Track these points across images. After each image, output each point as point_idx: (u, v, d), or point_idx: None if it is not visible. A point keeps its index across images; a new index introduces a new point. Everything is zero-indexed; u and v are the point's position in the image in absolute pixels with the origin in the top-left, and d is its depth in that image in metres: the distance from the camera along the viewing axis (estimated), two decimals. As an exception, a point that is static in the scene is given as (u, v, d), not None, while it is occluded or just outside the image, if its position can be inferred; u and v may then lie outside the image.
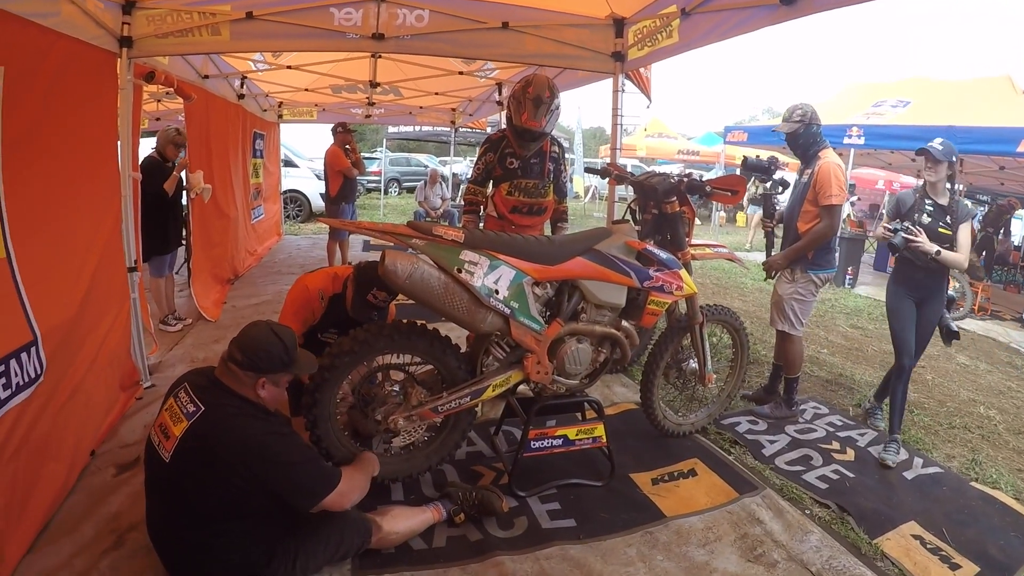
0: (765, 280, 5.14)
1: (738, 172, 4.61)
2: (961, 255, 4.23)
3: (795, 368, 4.97)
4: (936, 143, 4.22)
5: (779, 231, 5.07)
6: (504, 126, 4.48)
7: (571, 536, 3.29)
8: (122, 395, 4.34)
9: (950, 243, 4.26)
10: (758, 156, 4.30)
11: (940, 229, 4.28)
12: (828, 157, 4.58)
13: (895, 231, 4.20)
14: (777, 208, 5.14)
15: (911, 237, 4.16)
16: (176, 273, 7.84)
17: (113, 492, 3.37)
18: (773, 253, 4.99)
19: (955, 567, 3.35)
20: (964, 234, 4.23)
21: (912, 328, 4.52)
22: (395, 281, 2.96)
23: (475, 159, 4.74)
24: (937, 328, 4.64)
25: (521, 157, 4.42)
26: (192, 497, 2.48)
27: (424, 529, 3.16)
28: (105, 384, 4.03)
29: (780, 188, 4.88)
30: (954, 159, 4.23)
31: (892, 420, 4.56)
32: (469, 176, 4.71)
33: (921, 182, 4.44)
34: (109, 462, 3.67)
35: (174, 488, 2.51)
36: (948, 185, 4.34)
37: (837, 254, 5.00)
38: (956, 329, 4.66)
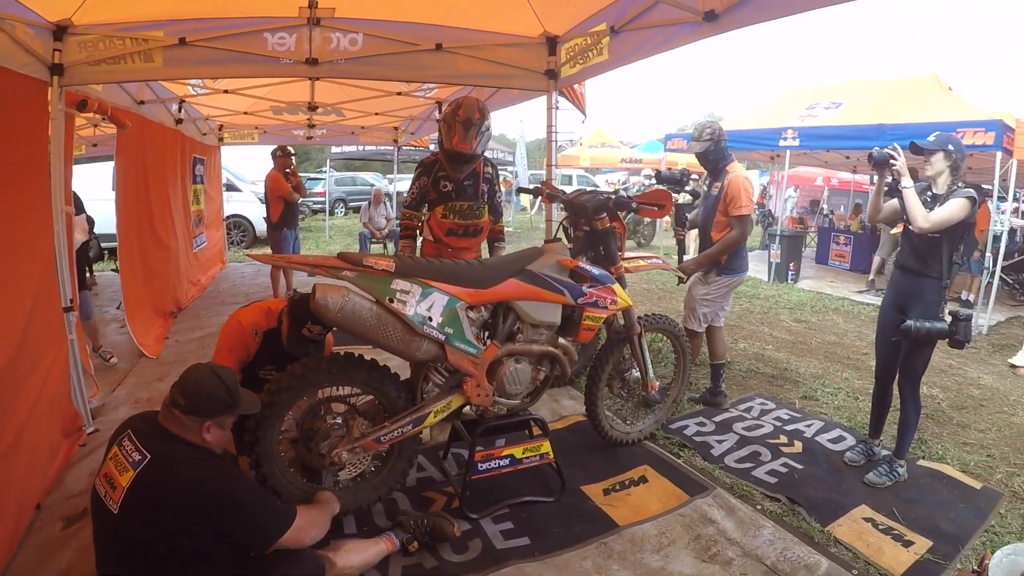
0: (678, 284, 5.44)
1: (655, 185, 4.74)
2: (931, 214, 3.74)
3: (718, 355, 5.31)
4: (931, 137, 3.99)
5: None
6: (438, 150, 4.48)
7: (526, 554, 3.30)
8: (65, 442, 4.19)
9: (938, 232, 3.83)
10: (669, 168, 4.42)
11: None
12: (736, 171, 4.94)
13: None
14: (688, 216, 5.36)
15: (892, 153, 3.82)
16: (118, 308, 7.72)
17: (62, 546, 3.27)
18: (685, 259, 5.27)
19: (908, 544, 3.46)
20: (950, 203, 3.75)
21: (887, 337, 4.16)
22: (326, 315, 2.95)
23: (409, 184, 4.70)
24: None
25: (455, 180, 4.42)
26: (144, 547, 2.42)
27: (379, 561, 3.14)
28: (47, 431, 3.90)
29: (693, 200, 5.03)
30: (950, 148, 3.87)
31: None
32: (404, 201, 4.68)
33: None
34: (56, 515, 3.56)
35: (125, 540, 2.45)
36: (950, 178, 3.90)
37: (747, 258, 5.25)
38: (909, 324, 3.85)
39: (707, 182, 5.16)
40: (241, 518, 2.50)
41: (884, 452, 4.43)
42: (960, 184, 3.85)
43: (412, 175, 4.67)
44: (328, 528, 2.97)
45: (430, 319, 3.15)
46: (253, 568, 2.71)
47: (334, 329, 3.30)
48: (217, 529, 2.46)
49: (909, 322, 3.81)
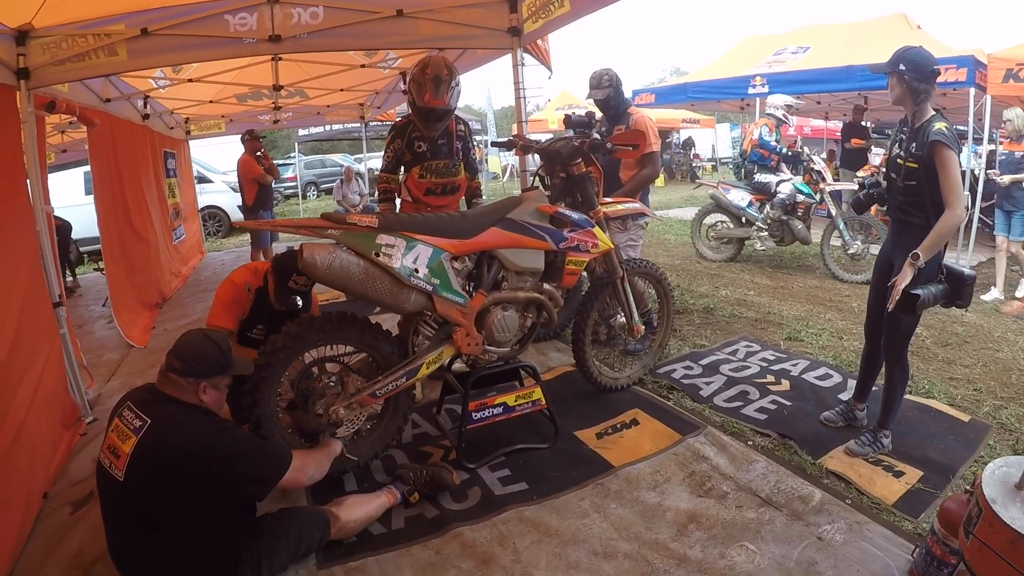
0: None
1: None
2: (948, 196, 3.23)
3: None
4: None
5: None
6: (409, 112, 4.48)
7: (525, 499, 3.37)
8: (66, 433, 4.24)
9: (915, 177, 3.39)
10: (575, 113, 4.46)
11: (899, 160, 3.50)
12: (638, 112, 5.13)
13: (862, 184, 3.80)
14: None
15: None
16: (104, 306, 7.73)
17: (71, 530, 3.31)
18: None
19: (899, 474, 3.52)
20: (946, 169, 3.23)
21: (879, 290, 3.71)
22: (315, 272, 3.00)
23: (384, 148, 4.70)
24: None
25: (429, 139, 4.43)
26: (152, 511, 2.48)
27: (381, 514, 3.19)
28: (47, 424, 3.93)
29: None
30: (901, 68, 3.35)
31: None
32: (380, 166, 4.70)
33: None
34: (63, 502, 3.60)
35: (132, 506, 2.50)
36: (915, 105, 3.42)
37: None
38: (918, 292, 3.23)
39: (606, 127, 5.25)
40: (238, 466, 2.55)
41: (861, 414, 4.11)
42: (932, 112, 3.38)
43: (378, 152, 4.67)
44: (327, 469, 3.06)
45: (416, 271, 3.20)
46: (260, 528, 2.79)
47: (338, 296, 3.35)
48: (220, 483, 2.51)
49: (922, 294, 3.21)
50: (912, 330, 3.71)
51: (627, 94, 5.53)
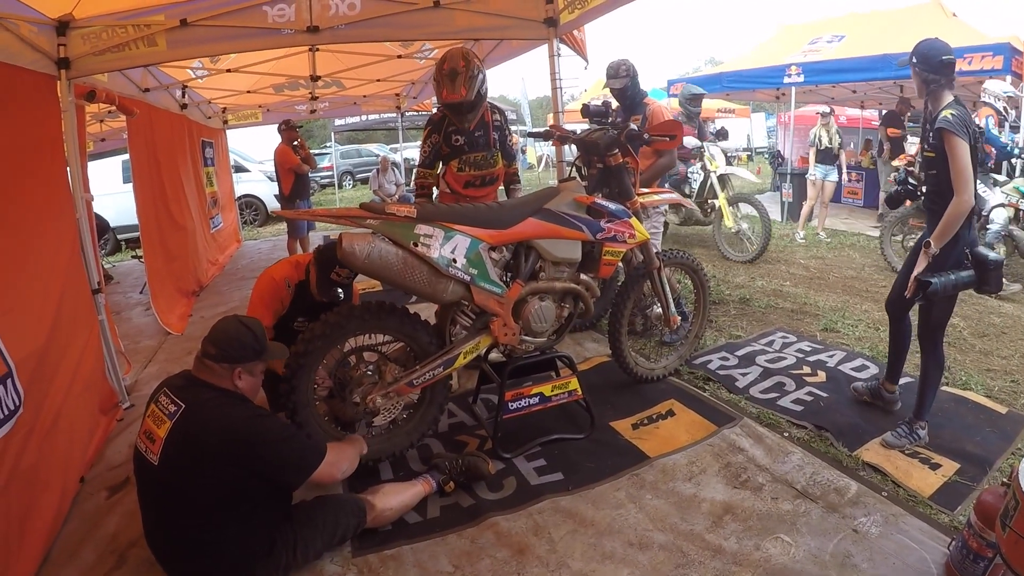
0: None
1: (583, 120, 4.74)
2: (956, 183, 3.21)
3: None
4: None
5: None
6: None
7: (560, 488, 3.37)
8: (103, 419, 4.31)
9: (934, 166, 3.42)
10: (592, 102, 4.44)
11: (926, 153, 3.52)
12: (654, 101, 5.11)
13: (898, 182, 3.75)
14: None
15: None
16: (141, 293, 7.85)
17: (108, 514, 3.37)
18: None
19: (935, 467, 3.47)
20: (954, 157, 3.23)
21: (905, 273, 3.72)
22: (354, 262, 3.02)
23: (421, 142, 4.61)
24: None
25: (465, 132, 4.40)
26: (186, 495, 2.51)
27: (417, 502, 3.20)
28: (85, 409, 4.00)
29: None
30: (913, 60, 3.48)
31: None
32: (417, 160, 4.63)
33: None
34: (99, 486, 3.66)
35: (167, 490, 2.53)
36: (927, 96, 3.48)
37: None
38: (930, 280, 3.25)
39: (621, 117, 5.19)
40: (274, 453, 2.59)
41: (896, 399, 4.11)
42: (949, 100, 3.38)
43: (415, 142, 4.63)
44: (357, 464, 3.07)
45: (454, 261, 3.21)
46: (296, 515, 2.82)
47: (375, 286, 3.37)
48: (253, 470, 2.54)
49: (934, 282, 3.23)
50: (944, 320, 3.68)
51: (661, 84, 5.56)
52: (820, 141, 9.68)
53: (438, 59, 4.25)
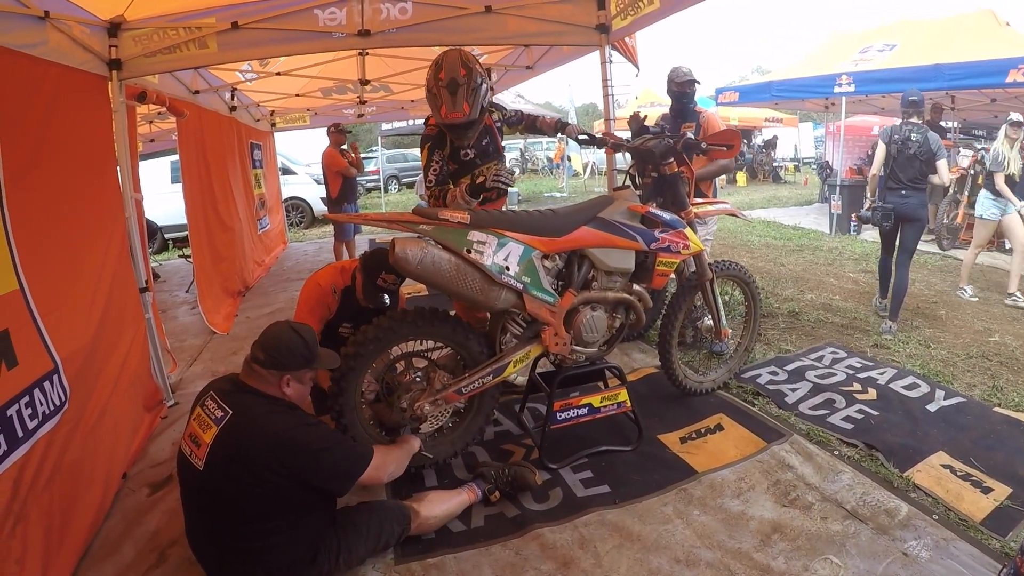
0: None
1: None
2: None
3: None
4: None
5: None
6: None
7: (607, 501, 3.33)
8: (147, 416, 4.37)
9: None
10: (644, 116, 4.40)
11: None
12: (706, 109, 5.28)
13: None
14: None
15: None
16: (187, 292, 7.97)
17: (149, 511, 3.40)
18: None
19: (987, 490, 3.37)
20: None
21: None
22: (407, 268, 2.99)
23: (423, 162, 4.03)
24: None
25: (473, 145, 3.98)
26: (230, 501, 2.50)
27: (461, 511, 3.19)
28: (130, 406, 4.06)
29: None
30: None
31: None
32: (427, 182, 4.00)
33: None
34: (142, 483, 3.71)
35: (211, 495, 2.53)
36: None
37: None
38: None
39: (670, 125, 5.11)
40: (320, 462, 2.57)
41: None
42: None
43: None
44: (406, 466, 3.06)
45: (507, 268, 3.18)
46: (340, 521, 2.80)
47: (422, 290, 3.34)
48: (297, 476, 2.52)
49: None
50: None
51: (709, 92, 5.61)
52: (1008, 162, 6.93)
53: (430, 66, 3.68)
